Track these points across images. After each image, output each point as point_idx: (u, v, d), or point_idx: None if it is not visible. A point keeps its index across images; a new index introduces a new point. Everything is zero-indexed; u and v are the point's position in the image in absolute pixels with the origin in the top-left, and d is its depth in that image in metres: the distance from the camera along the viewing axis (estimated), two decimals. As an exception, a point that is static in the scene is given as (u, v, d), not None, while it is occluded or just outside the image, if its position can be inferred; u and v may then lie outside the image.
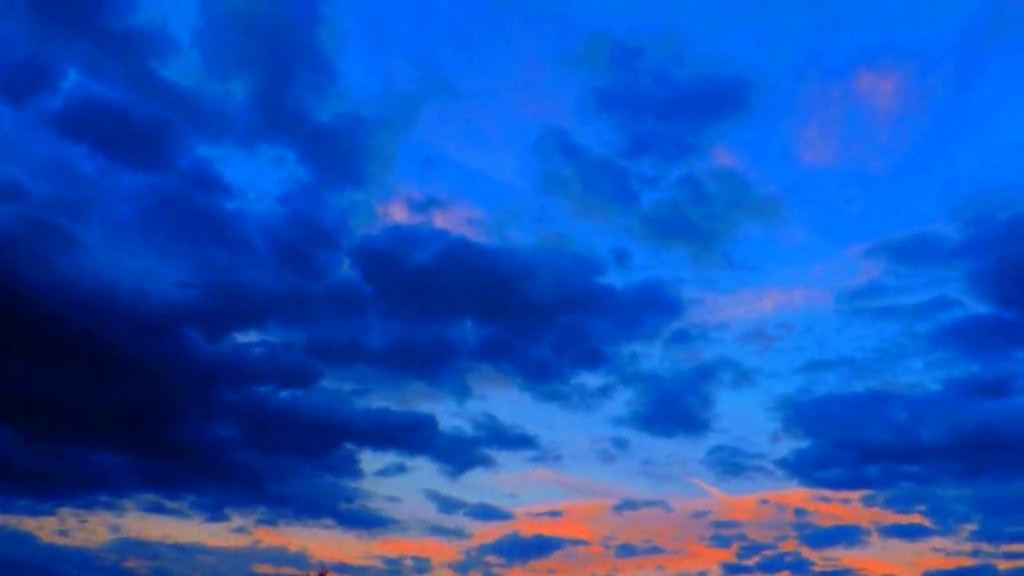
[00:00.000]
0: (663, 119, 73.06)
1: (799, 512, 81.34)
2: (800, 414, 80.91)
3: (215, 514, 75.99)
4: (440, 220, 74.79)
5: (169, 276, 66.10)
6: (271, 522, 77.27)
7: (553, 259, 75.89)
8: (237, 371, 70.75)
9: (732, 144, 78.09)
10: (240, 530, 76.37)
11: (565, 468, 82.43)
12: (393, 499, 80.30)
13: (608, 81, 73.24)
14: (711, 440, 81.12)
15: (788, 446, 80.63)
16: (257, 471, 75.50)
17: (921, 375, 79.99)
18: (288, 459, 77.14)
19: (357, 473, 78.28)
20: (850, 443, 79.86)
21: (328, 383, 75.88)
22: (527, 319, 76.33)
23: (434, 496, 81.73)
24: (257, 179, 70.45)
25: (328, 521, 77.74)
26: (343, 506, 78.33)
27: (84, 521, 71.38)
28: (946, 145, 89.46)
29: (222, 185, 66.60)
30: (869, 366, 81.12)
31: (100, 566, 70.26)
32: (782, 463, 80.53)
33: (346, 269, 71.77)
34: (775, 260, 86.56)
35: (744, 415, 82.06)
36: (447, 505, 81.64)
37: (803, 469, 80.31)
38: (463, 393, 79.05)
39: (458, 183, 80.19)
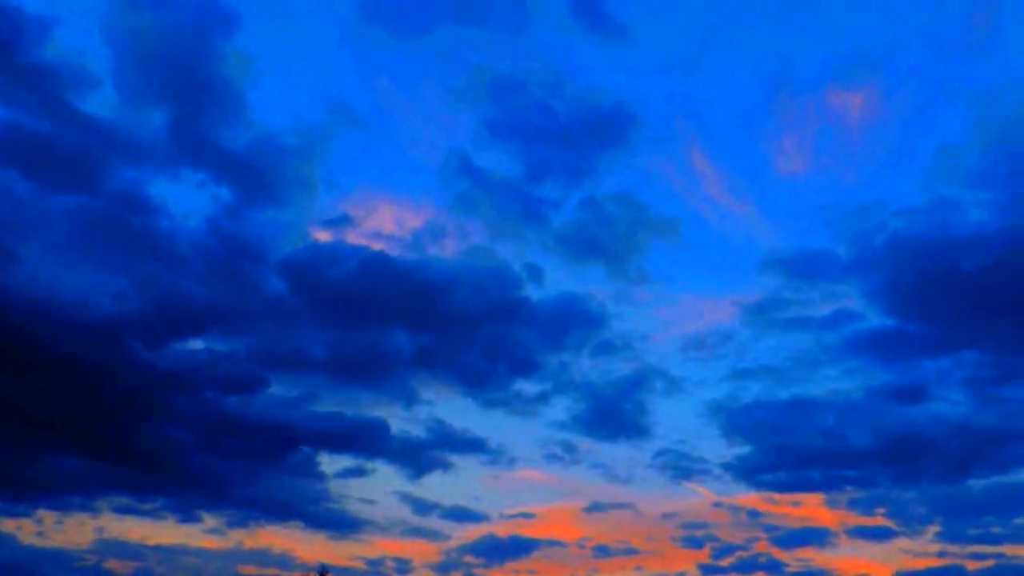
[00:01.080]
0: (552, 147, 77.86)
1: (753, 514, 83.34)
2: (733, 421, 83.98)
3: (187, 515, 77.58)
4: (359, 238, 77.88)
5: (107, 289, 67.91)
6: (242, 524, 78.98)
7: (473, 273, 78.63)
8: (185, 378, 72.95)
9: (623, 169, 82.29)
10: (214, 531, 77.99)
11: (523, 471, 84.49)
12: (368, 501, 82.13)
13: (497, 112, 78.13)
14: (655, 444, 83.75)
15: (730, 452, 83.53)
16: (221, 474, 77.79)
17: (839, 382, 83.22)
18: (249, 463, 79.22)
19: (320, 476, 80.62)
20: (788, 448, 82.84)
21: (276, 390, 77.98)
22: (455, 329, 79.25)
23: (407, 498, 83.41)
24: (182, 200, 72.11)
25: (301, 523, 79.82)
26: (318, 507, 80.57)
27: (61, 522, 72.74)
28: (834, 166, 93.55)
29: (150, 206, 69.01)
30: (788, 374, 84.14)
31: (82, 567, 71.82)
32: (728, 467, 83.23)
33: (275, 283, 74.37)
34: (683, 276, 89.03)
35: (681, 422, 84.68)
36: (421, 507, 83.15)
37: (749, 473, 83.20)
38: (408, 399, 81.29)
39: (373, 204, 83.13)
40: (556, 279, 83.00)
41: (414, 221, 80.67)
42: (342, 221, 77.66)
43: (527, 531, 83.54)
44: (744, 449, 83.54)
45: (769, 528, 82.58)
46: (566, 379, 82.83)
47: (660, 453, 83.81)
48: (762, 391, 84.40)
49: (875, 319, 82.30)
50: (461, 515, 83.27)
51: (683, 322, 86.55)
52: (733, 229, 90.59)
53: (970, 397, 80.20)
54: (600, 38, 77.26)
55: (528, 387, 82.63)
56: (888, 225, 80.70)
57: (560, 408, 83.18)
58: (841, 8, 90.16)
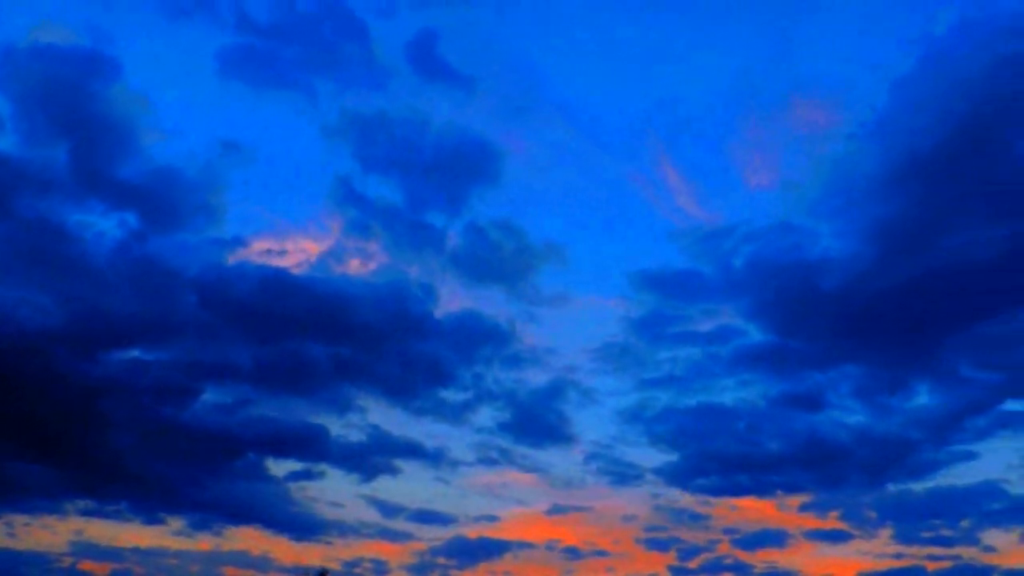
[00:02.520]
0: (427, 179, 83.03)
1: (704, 517, 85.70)
2: (652, 428, 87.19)
3: (151, 518, 79.41)
4: (265, 259, 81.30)
5: (30, 305, 71.11)
6: (206, 526, 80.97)
7: (377, 291, 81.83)
8: (119, 387, 75.63)
9: (497, 198, 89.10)
10: (180, 533, 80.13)
11: (474, 475, 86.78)
12: (336, 504, 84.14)
13: (371, 149, 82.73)
14: (583, 450, 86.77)
15: (659, 457, 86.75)
16: (175, 478, 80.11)
17: (739, 392, 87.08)
18: (199, 467, 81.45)
19: (271, 479, 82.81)
20: (712, 453, 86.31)
21: (210, 397, 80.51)
22: (368, 343, 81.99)
23: (373, 501, 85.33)
24: (93, 227, 74.56)
25: (265, 525, 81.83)
26: (280, 511, 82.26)
27: (29, 525, 74.91)
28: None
29: (63, 231, 72.72)
30: (690, 384, 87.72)
31: (59, 568, 74.17)
32: (660, 472, 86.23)
33: (191, 300, 77.53)
34: (573, 294, 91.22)
35: (602, 429, 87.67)
36: (388, 510, 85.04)
37: (682, 478, 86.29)
38: (341, 407, 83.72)
39: (273, 229, 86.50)
40: (456, 298, 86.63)
41: (314, 245, 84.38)
42: (246, 244, 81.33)
43: (494, 533, 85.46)
44: (672, 455, 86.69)
45: (728, 531, 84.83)
46: (484, 389, 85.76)
47: (591, 458, 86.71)
48: (671, 400, 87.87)
49: (757, 335, 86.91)
50: (428, 517, 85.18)
51: (583, 337, 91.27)
52: (608, 249, 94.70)
53: (864, 406, 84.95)
54: (446, 85, 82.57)
55: (450, 396, 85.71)
56: (742, 249, 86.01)
57: (486, 416, 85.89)
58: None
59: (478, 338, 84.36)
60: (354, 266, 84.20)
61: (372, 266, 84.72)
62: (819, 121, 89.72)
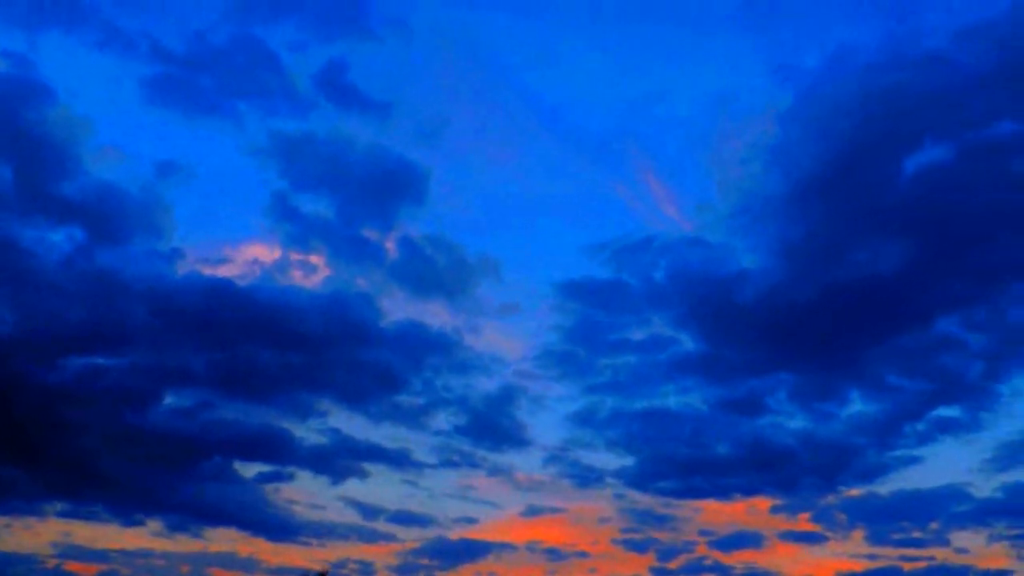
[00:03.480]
0: (359, 196, 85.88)
1: (663, 519, 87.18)
2: (603, 432, 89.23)
3: (129, 520, 79.75)
4: (209, 270, 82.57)
5: None
6: (183, 528, 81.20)
7: (323, 301, 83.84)
8: (80, 392, 76.65)
9: (427, 215, 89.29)
10: (158, 534, 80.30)
11: (446, 477, 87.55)
12: (317, 507, 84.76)
13: (303, 167, 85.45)
14: (542, 454, 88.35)
15: (617, 461, 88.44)
16: (146, 481, 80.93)
17: (681, 397, 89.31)
18: (168, 470, 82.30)
19: (242, 482, 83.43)
20: (665, 457, 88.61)
21: (171, 401, 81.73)
22: (320, 351, 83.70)
23: (351, 502, 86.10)
24: (42, 241, 75.72)
25: (244, 527, 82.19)
26: (259, 513, 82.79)
27: (9, 527, 75.26)
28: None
29: (12, 245, 73.28)
30: (634, 390, 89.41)
31: (43, 570, 74.56)
32: (619, 475, 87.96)
33: (144, 309, 78.32)
34: (509, 305, 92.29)
35: (556, 433, 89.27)
36: (368, 512, 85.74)
37: (641, 481, 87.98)
38: (300, 412, 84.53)
39: (216, 242, 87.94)
40: (399, 308, 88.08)
41: (258, 258, 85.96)
42: (191, 257, 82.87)
43: (475, 534, 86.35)
44: (627, 459, 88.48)
45: (704, 532, 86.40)
46: (436, 395, 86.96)
47: (550, 461, 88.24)
48: (617, 405, 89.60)
49: (689, 343, 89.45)
50: (407, 519, 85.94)
51: (524, 346, 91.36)
52: (536, 261, 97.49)
53: (803, 411, 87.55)
54: (362, 111, 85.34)
55: (405, 401, 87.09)
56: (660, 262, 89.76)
57: (442, 420, 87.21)
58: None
59: (425, 346, 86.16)
60: (298, 277, 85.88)
61: (316, 278, 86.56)
62: (723, 146, 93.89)
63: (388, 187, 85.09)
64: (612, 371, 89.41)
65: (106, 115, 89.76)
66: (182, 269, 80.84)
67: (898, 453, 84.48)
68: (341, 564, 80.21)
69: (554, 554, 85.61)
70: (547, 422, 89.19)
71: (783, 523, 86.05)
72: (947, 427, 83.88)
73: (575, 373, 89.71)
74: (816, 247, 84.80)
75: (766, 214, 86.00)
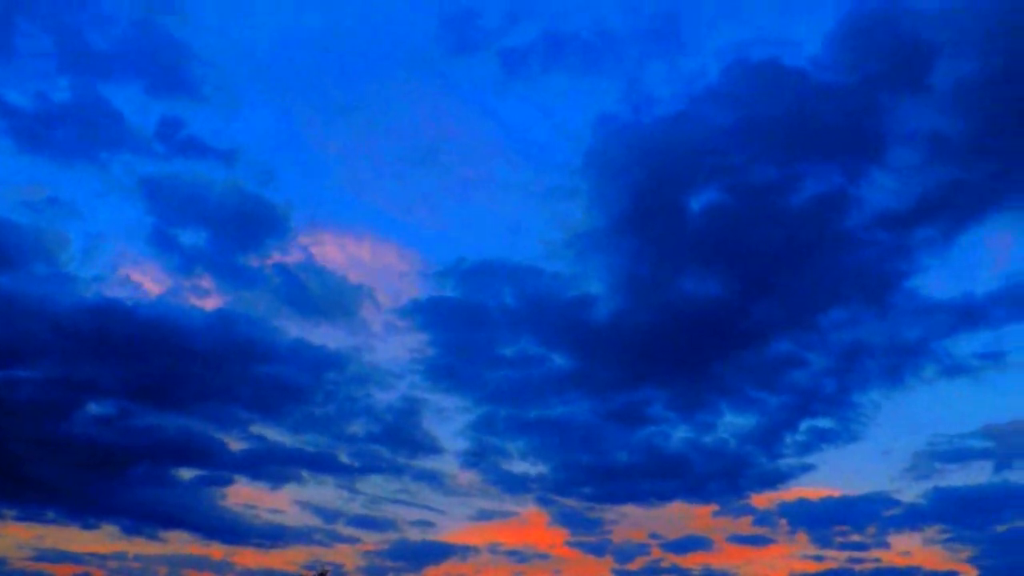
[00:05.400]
0: (224, 231, 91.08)
1: (595, 523, 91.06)
2: (508, 441, 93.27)
3: (86, 523, 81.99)
4: (111, 292, 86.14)
5: None
6: (138, 531, 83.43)
7: (216, 321, 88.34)
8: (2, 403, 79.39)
9: (295, 243, 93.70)
10: (116, 538, 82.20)
11: (367, 482, 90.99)
12: (276, 511, 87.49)
13: (161, 205, 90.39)
14: (457, 460, 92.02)
15: (531, 468, 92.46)
16: (89, 486, 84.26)
17: (567, 408, 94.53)
18: (108, 476, 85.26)
19: (182, 486, 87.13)
20: (572, 464, 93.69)
21: (92, 410, 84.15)
22: (224, 365, 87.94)
23: (309, 506, 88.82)
24: None
25: (195, 529, 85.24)
26: (214, 516, 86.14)
27: None
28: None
29: None
30: (521, 401, 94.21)
31: (20, 571, 76.08)
32: (540, 481, 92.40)
33: (45, 329, 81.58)
34: (382, 324, 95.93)
35: (465, 442, 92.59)
36: (329, 516, 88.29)
37: (563, 487, 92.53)
38: (222, 421, 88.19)
39: (110, 269, 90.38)
40: (290, 327, 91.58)
41: (152, 284, 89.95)
42: (87, 282, 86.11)
43: (435, 537, 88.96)
44: (542, 467, 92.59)
45: (654, 536, 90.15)
46: (342, 406, 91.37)
47: (469, 467, 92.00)
48: (513, 415, 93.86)
49: (560, 360, 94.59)
50: (367, 523, 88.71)
51: (411, 361, 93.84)
52: (402, 283, 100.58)
53: (684, 422, 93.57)
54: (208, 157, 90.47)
55: (318, 411, 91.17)
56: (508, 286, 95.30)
57: (357, 428, 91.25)
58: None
59: (320, 362, 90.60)
60: (192, 300, 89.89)
61: (209, 301, 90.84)
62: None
63: (252, 220, 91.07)
64: (495, 384, 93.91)
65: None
66: (81, 293, 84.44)
67: (791, 461, 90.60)
68: (312, 566, 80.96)
69: (516, 555, 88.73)
70: (451, 431, 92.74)
71: (729, 527, 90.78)
72: (825, 437, 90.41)
73: (463, 386, 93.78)
74: (645, 275, 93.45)
75: (593, 245, 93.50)
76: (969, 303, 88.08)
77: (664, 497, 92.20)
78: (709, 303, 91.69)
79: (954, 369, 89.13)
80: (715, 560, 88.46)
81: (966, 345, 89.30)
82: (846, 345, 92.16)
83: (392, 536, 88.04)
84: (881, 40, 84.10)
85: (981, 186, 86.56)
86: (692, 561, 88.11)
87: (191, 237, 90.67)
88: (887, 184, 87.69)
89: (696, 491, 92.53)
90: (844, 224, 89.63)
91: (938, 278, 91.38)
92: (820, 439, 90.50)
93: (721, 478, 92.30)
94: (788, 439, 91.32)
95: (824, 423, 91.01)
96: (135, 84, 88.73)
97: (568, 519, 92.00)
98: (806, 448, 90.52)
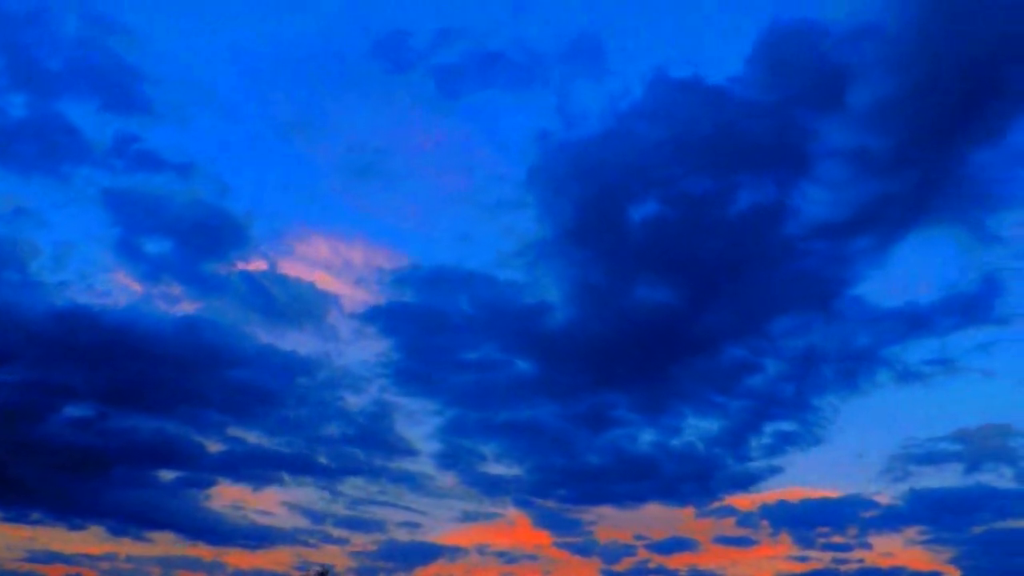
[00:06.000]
0: (193, 241, 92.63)
1: (574, 524, 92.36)
2: (481, 443, 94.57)
3: (72, 524, 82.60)
4: (82, 298, 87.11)
5: None
6: (124, 532, 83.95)
7: (189, 326, 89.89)
8: None
9: (251, 254, 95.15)
10: (104, 539, 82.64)
11: (348, 484, 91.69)
12: (265, 512, 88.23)
13: (133, 217, 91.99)
14: (433, 463, 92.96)
15: (506, 471, 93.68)
16: (69, 489, 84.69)
17: (534, 412, 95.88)
18: (85, 479, 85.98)
19: (164, 487, 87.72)
20: (547, 465, 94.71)
21: (69, 413, 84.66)
22: (196, 370, 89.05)
23: (297, 508, 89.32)
24: None
25: (187, 531, 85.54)
26: (199, 517, 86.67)
27: None
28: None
29: None
30: (488, 403, 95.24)
31: (17, 572, 76.29)
32: (517, 483, 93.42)
33: (19, 335, 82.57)
34: (348, 331, 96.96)
35: (433, 446, 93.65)
36: (316, 517, 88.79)
37: (540, 489, 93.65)
38: (196, 424, 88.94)
39: (82, 277, 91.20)
40: (259, 334, 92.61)
41: (124, 288, 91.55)
42: (58, 289, 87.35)
43: (423, 537, 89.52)
44: (516, 469, 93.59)
45: (639, 537, 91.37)
46: (315, 410, 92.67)
47: (446, 469, 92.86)
48: (481, 418, 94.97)
49: (523, 364, 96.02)
50: (354, 524, 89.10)
51: (378, 365, 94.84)
52: (369, 294, 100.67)
53: (650, 425, 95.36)
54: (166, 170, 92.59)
55: (290, 413, 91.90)
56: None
57: (332, 430, 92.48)
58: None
59: (289, 366, 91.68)
60: (162, 307, 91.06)
61: (179, 307, 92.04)
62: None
63: (214, 230, 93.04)
64: (462, 388, 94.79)
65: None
66: (51, 299, 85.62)
67: (759, 463, 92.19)
68: (302, 567, 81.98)
69: (505, 556, 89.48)
70: (423, 434, 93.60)
71: (712, 528, 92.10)
72: (789, 440, 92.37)
73: (431, 390, 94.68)
74: (597, 284, 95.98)
75: (545, 255, 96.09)
76: (914, 312, 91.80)
77: (639, 499, 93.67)
78: (662, 310, 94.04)
79: (907, 375, 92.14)
80: (701, 561, 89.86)
81: (915, 352, 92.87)
82: (799, 351, 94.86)
83: (380, 537, 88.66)
84: (797, 61, 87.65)
85: (909, 198, 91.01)
86: (679, 562, 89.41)
87: (156, 246, 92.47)
88: (820, 197, 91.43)
89: (670, 493, 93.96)
90: (783, 233, 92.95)
91: (880, 287, 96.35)
92: (785, 442, 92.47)
93: (693, 480, 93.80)
94: (753, 442, 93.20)
95: (787, 426, 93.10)
96: (89, 102, 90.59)
97: (548, 521, 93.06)
98: (772, 451, 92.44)
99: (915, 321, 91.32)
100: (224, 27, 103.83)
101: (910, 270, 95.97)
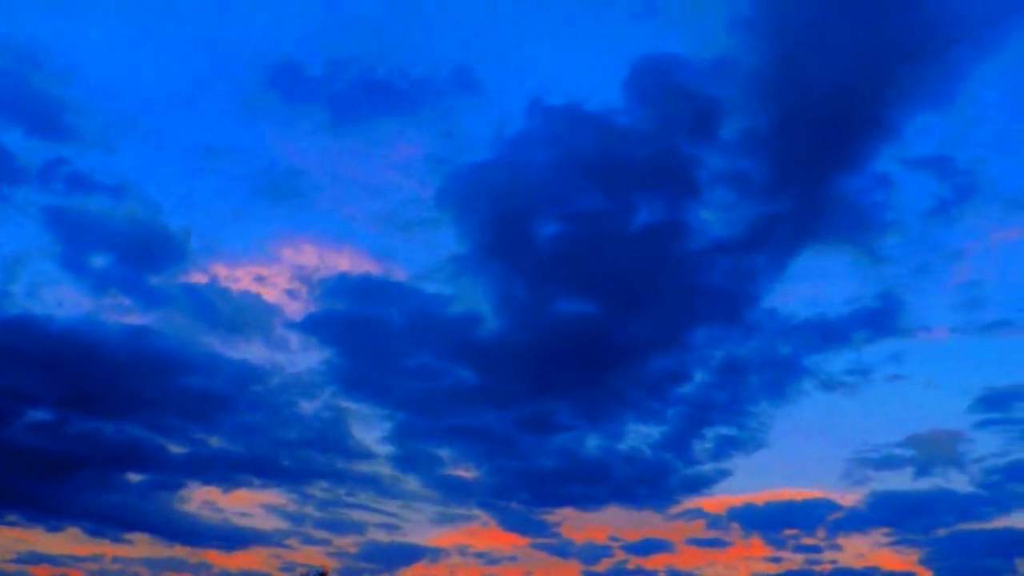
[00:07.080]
0: (131, 257, 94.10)
1: (542, 526, 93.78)
2: (434, 448, 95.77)
3: (51, 526, 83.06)
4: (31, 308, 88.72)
5: None
6: (102, 534, 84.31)
7: (137, 337, 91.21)
8: None
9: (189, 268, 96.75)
10: (82, 541, 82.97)
11: (315, 486, 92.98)
12: (245, 514, 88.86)
13: (73, 236, 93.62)
14: (391, 465, 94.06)
15: (464, 473, 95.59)
16: (38, 493, 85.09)
17: (480, 417, 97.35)
18: (52, 482, 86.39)
19: (133, 490, 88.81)
20: (504, 469, 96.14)
21: (30, 418, 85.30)
22: (151, 378, 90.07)
23: (275, 510, 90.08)
24: None
25: (163, 532, 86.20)
26: (179, 519, 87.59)
27: None
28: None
29: None
30: (436, 409, 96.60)
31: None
32: (478, 486, 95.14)
33: None
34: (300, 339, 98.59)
35: (389, 449, 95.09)
36: (295, 519, 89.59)
37: (501, 492, 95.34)
38: (157, 429, 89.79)
39: (31, 291, 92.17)
40: (206, 344, 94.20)
41: (71, 299, 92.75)
42: (12, 300, 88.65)
43: (403, 538, 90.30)
44: (474, 472, 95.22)
45: (614, 538, 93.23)
46: (270, 414, 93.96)
47: (406, 472, 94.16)
48: (428, 424, 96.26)
49: (463, 372, 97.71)
50: (333, 525, 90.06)
51: (325, 371, 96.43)
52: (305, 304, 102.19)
53: (595, 431, 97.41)
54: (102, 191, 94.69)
55: (247, 418, 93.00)
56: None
57: (290, 434, 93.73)
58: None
59: (242, 374, 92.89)
60: (113, 317, 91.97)
61: (128, 319, 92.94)
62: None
63: (154, 246, 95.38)
64: (407, 394, 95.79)
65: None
66: (4, 308, 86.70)
67: (707, 467, 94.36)
68: (289, 568, 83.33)
69: (485, 557, 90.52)
70: (378, 437, 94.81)
71: (684, 530, 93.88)
72: (733, 444, 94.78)
73: (379, 396, 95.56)
74: (519, 296, 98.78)
75: (466, 270, 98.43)
76: (825, 324, 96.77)
77: (599, 501, 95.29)
78: (585, 321, 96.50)
79: (830, 384, 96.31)
80: (678, 561, 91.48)
81: (835, 363, 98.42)
82: (722, 361, 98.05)
83: (360, 538, 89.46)
84: (669, 92, 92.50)
85: (794, 220, 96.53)
86: (657, 563, 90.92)
87: (101, 260, 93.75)
88: (711, 216, 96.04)
89: (628, 496, 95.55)
90: (685, 249, 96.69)
91: (788, 300, 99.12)
92: (729, 446, 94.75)
93: (647, 483, 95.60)
94: (698, 446, 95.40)
95: (727, 431, 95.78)
96: (15, 130, 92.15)
97: (515, 523, 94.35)
98: (717, 455, 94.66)
99: (829, 333, 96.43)
100: (137, 58, 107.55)
101: (812, 286, 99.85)
